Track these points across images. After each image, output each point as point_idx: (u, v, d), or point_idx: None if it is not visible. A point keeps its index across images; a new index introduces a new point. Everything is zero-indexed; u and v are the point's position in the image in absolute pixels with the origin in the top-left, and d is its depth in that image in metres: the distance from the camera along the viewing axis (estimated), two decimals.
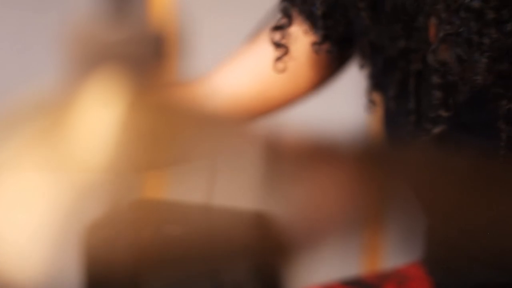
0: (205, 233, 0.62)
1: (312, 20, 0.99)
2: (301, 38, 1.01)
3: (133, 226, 0.60)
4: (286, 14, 1.00)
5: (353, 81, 1.04)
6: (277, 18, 1.00)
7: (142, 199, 0.59)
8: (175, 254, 0.63)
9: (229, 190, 0.56)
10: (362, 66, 1.01)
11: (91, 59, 0.53)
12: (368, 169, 0.60)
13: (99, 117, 0.53)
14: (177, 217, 0.61)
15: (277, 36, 0.99)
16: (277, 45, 0.99)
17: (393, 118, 0.99)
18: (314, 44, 0.99)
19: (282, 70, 1.00)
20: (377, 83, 1.01)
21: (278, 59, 1.00)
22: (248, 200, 0.57)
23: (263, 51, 1.01)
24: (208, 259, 0.65)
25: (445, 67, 0.82)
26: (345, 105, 1.34)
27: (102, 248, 0.58)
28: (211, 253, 0.63)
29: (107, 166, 0.53)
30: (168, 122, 0.55)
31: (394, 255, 1.41)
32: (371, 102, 1.04)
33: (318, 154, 0.59)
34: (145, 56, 0.54)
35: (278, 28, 0.99)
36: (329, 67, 1.05)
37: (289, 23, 0.99)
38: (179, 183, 0.57)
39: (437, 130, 0.84)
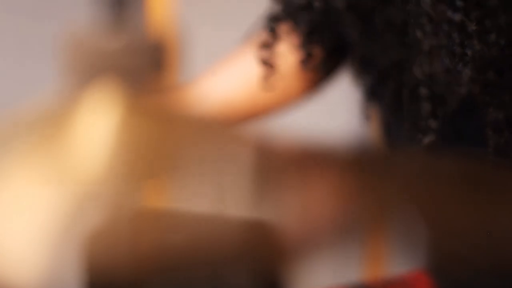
0: (206, 241, 0.62)
1: (299, 37, 1.00)
2: (288, 53, 1.01)
3: (134, 234, 0.60)
4: (272, 32, 1.00)
5: (351, 87, 1.04)
6: (263, 35, 1.01)
7: (144, 207, 0.59)
8: (176, 262, 0.63)
9: (223, 197, 0.56)
10: (355, 77, 1.02)
11: (89, 69, 0.54)
12: (367, 176, 0.60)
13: (97, 127, 0.53)
14: (178, 225, 0.62)
15: (263, 54, 1.00)
16: (264, 63, 1.00)
17: (390, 128, 0.99)
18: (302, 61, 1.00)
19: (270, 88, 1.01)
20: (372, 93, 1.01)
21: (265, 78, 1.00)
22: (242, 208, 0.57)
23: (253, 56, 1.01)
24: (209, 267, 0.65)
25: (432, 78, 0.82)
26: (344, 112, 1.34)
27: (103, 257, 0.58)
28: (212, 261, 0.63)
29: (106, 175, 0.53)
30: (161, 129, 0.55)
31: (397, 264, 1.40)
32: (367, 112, 1.05)
33: (313, 161, 0.59)
34: (143, 66, 0.54)
35: (264, 46, 1.00)
36: (321, 74, 1.05)
37: (275, 41, 1.00)
38: (180, 192, 0.57)
39: (427, 140, 0.85)
